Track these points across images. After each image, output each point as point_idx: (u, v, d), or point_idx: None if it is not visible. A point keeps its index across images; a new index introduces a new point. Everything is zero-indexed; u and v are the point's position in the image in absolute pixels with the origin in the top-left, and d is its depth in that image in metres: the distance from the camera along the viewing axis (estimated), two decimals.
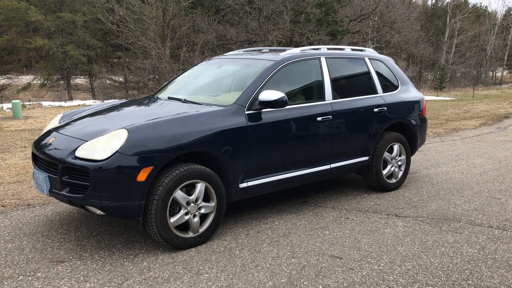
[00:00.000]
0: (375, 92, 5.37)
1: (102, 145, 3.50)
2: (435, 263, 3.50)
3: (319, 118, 4.62)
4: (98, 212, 3.52)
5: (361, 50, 5.67)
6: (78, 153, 3.54)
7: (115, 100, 5.16)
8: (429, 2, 46.77)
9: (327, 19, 24.71)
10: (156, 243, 3.84)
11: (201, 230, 3.83)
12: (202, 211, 3.81)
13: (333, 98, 4.86)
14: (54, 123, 4.51)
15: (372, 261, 3.55)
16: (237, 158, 4.00)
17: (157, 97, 4.97)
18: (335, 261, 3.54)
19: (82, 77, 29.60)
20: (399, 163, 5.56)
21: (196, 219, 3.77)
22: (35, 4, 26.92)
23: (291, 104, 4.44)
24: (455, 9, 39.60)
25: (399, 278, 3.28)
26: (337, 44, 24.17)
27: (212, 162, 3.96)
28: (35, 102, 17.18)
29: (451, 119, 12.69)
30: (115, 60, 27.59)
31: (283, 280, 3.22)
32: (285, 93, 4.17)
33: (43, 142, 4.02)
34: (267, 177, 4.29)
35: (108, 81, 26.10)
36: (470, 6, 43.87)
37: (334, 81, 4.94)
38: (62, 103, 16.92)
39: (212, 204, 3.87)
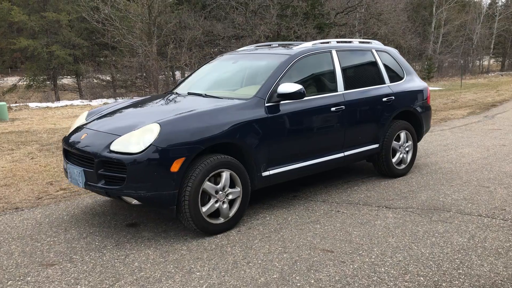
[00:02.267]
0: (383, 82, 5.61)
1: (136, 139, 3.70)
2: (426, 254, 3.52)
3: (332, 109, 4.87)
4: (134, 202, 3.73)
5: (368, 42, 5.92)
6: (113, 147, 3.74)
7: (124, 99, 5.41)
8: None
9: (313, 12, 24.65)
10: (147, 243, 3.82)
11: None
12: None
13: (345, 89, 5.10)
14: (82, 120, 4.67)
15: (363, 253, 3.55)
16: (260, 148, 4.24)
17: (177, 93, 5.20)
18: (327, 254, 3.55)
19: (68, 77, 29.32)
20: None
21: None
22: (18, 4, 26.57)
23: (306, 96, 4.59)
24: None
25: (391, 269, 3.29)
26: (324, 37, 24.17)
27: (236, 152, 4.16)
28: (21, 104, 16.99)
29: (440, 109, 12.77)
30: (101, 59, 27.37)
31: (275, 276, 3.22)
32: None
33: (75, 138, 4.22)
34: (287, 165, 4.53)
35: (95, 81, 25.85)
36: None
37: (345, 72, 5.17)
38: (49, 104, 16.75)
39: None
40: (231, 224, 4.09)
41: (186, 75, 5.86)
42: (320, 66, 5.09)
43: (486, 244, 3.67)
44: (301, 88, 4.34)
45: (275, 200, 4.89)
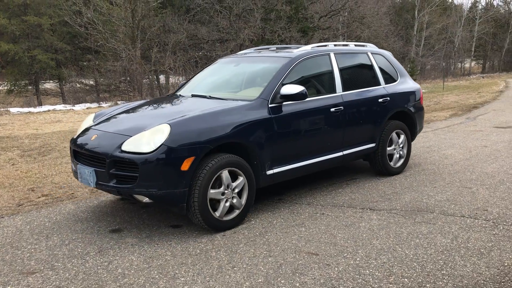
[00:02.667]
0: (378, 84, 5.82)
1: (147, 139, 3.83)
2: (410, 255, 3.54)
3: (332, 109, 5.05)
4: (145, 200, 3.85)
5: (364, 46, 6.12)
6: (124, 147, 3.86)
7: (132, 102, 5.48)
8: None
9: (297, 16, 24.76)
10: (131, 249, 3.78)
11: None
12: (236, 190, 4.18)
13: (343, 91, 5.30)
14: (89, 122, 4.77)
15: (348, 256, 3.56)
16: (264, 147, 4.39)
17: (180, 95, 5.34)
18: (312, 257, 3.55)
19: (51, 81, 28.88)
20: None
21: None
22: None
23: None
24: (423, 2, 40.20)
25: (375, 271, 3.30)
26: (308, 41, 24.28)
27: (242, 152, 4.30)
28: (2, 109, 16.69)
29: None
30: (84, 63, 27.06)
31: (260, 280, 3.20)
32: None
33: (85, 139, 4.33)
34: (290, 164, 4.69)
35: (78, 85, 25.51)
36: None
37: (342, 74, 5.36)
38: (31, 109, 16.50)
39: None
40: (232, 224, 4.19)
41: (185, 80, 6.00)
42: (319, 68, 5.28)
43: (469, 245, 3.71)
44: (303, 89, 4.51)
45: (260, 203, 4.88)
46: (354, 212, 4.56)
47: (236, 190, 4.18)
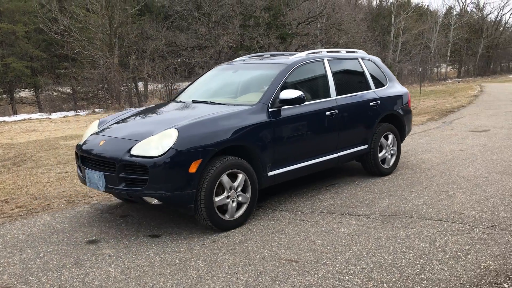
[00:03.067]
0: (369, 88, 6.07)
1: (155, 143, 3.98)
2: (389, 260, 3.56)
3: (327, 113, 5.26)
4: (154, 202, 3.98)
5: (354, 52, 6.39)
6: (134, 152, 4.00)
7: (128, 109, 5.56)
8: (374, 3, 48.18)
9: (276, 22, 24.92)
10: (108, 260, 3.71)
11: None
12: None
13: (337, 95, 5.51)
14: (94, 128, 4.88)
15: (327, 262, 3.56)
16: (265, 150, 4.58)
17: (180, 101, 5.52)
18: (292, 265, 3.53)
19: (26, 90, 28.39)
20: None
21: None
22: None
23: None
24: (399, 8, 40.89)
25: (355, 277, 3.30)
26: (287, 47, 24.43)
27: (245, 154, 4.47)
28: None
29: None
30: (61, 71, 26.66)
31: None
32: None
33: (93, 145, 4.44)
34: (289, 165, 4.88)
35: (55, 93, 25.12)
36: (412, 5, 45.48)
37: (336, 79, 5.58)
38: (6, 118, 16.15)
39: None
40: (239, 222, 4.38)
41: (184, 87, 6.21)
42: (314, 74, 5.50)
43: (446, 248, 3.75)
44: (301, 94, 4.70)
45: None
46: (334, 218, 4.57)
47: (239, 189, 4.35)
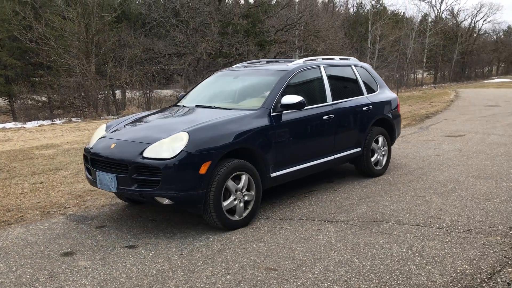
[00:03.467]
0: (362, 93, 6.37)
1: (167, 146, 4.15)
2: (367, 266, 3.57)
3: (324, 117, 5.52)
4: (166, 202, 4.15)
5: (347, 59, 6.68)
6: (146, 154, 4.16)
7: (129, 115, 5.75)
8: (351, 10, 48.83)
9: (254, 30, 25.01)
10: (83, 272, 3.63)
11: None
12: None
13: (333, 100, 5.77)
14: (102, 132, 5.02)
15: (306, 269, 3.55)
16: (268, 152, 4.79)
17: (183, 106, 5.68)
18: (270, 273, 3.51)
19: (0, 98, 27.84)
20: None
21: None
22: None
23: None
24: (376, 16, 41.53)
25: (333, 284, 3.30)
26: (265, 54, 24.52)
27: (249, 157, 4.66)
28: None
29: None
30: (36, 79, 26.19)
31: None
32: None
33: (104, 148, 4.57)
34: (290, 167, 5.11)
35: (30, 102, 24.64)
36: (389, 12, 46.23)
37: (332, 85, 5.85)
38: None
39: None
40: (246, 221, 4.58)
41: (184, 93, 6.44)
42: (312, 80, 5.74)
43: (423, 253, 3.78)
44: (302, 99, 4.93)
45: None
46: (313, 224, 4.57)
47: (244, 189, 4.53)
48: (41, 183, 6.67)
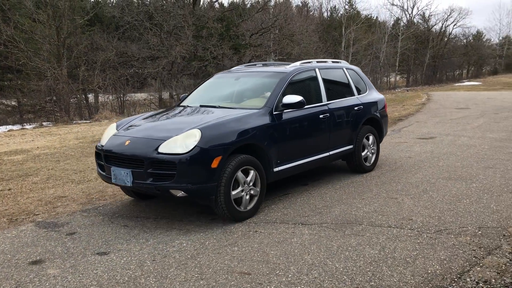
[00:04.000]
0: (353, 94, 6.79)
1: (180, 142, 4.45)
2: (340, 268, 3.59)
3: (320, 116, 5.89)
4: (180, 194, 4.42)
5: (338, 62, 7.12)
6: (161, 150, 4.46)
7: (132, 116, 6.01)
8: (325, 14, 49.32)
9: (228, 33, 24.99)
10: (52, 281, 3.54)
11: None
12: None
13: (327, 100, 6.15)
14: (113, 131, 5.28)
15: (280, 273, 3.55)
16: (272, 148, 5.13)
17: (188, 106, 5.96)
18: (244, 277, 3.50)
19: None
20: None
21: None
22: None
23: None
24: (349, 20, 41.97)
25: (307, 287, 3.30)
26: (240, 58, 24.53)
27: (254, 152, 4.97)
28: None
29: None
30: (5, 83, 25.53)
31: None
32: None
33: (119, 145, 4.83)
34: (291, 162, 5.47)
35: None
36: (362, 17, 46.85)
37: (326, 86, 6.23)
38: None
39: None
40: (252, 213, 4.92)
41: (185, 94, 6.77)
42: (309, 81, 6.10)
43: (395, 254, 3.82)
44: (302, 99, 5.26)
45: (193, 224, 4.78)
46: (287, 227, 4.57)
47: (251, 183, 4.87)
48: (9, 189, 6.49)
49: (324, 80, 6.24)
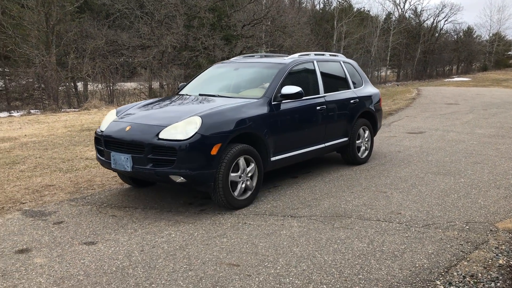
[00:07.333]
0: (349, 87, 6.93)
1: (181, 129, 4.52)
2: (329, 261, 3.60)
3: (317, 108, 6.01)
4: (179, 180, 4.49)
5: (336, 55, 7.22)
6: (161, 136, 4.52)
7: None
8: (318, 7, 49.18)
9: (220, 23, 24.82)
10: (39, 270, 3.50)
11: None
12: (250, 174, 5.00)
13: (324, 92, 6.27)
14: (113, 117, 5.33)
15: (268, 265, 3.55)
16: (269, 137, 5.20)
17: (187, 94, 6.06)
18: (233, 269, 3.49)
19: None
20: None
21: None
22: None
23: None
24: (341, 13, 41.93)
25: (295, 279, 3.31)
26: (232, 49, 24.39)
27: (251, 142, 5.05)
28: None
29: None
30: None
31: None
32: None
33: (119, 131, 4.88)
34: (288, 152, 5.56)
35: None
36: (354, 10, 46.80)
37: (323, 79, 6.34)
38: None
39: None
40: (249, 201, 5.02)
41: (183, 83, 6.77)
42: (307, 73, 6.22)
43: (384, 248, 3.84)
44: (300, 90, 5.38)
45: (182, 215, 4.76)
46: (276, 220, 4.57)
47: (250, 174, 4.98)
48: None
49: (322, 73, 6.34)
